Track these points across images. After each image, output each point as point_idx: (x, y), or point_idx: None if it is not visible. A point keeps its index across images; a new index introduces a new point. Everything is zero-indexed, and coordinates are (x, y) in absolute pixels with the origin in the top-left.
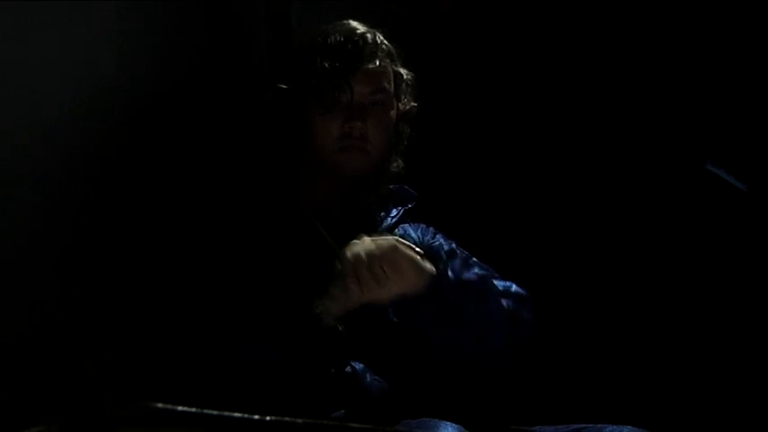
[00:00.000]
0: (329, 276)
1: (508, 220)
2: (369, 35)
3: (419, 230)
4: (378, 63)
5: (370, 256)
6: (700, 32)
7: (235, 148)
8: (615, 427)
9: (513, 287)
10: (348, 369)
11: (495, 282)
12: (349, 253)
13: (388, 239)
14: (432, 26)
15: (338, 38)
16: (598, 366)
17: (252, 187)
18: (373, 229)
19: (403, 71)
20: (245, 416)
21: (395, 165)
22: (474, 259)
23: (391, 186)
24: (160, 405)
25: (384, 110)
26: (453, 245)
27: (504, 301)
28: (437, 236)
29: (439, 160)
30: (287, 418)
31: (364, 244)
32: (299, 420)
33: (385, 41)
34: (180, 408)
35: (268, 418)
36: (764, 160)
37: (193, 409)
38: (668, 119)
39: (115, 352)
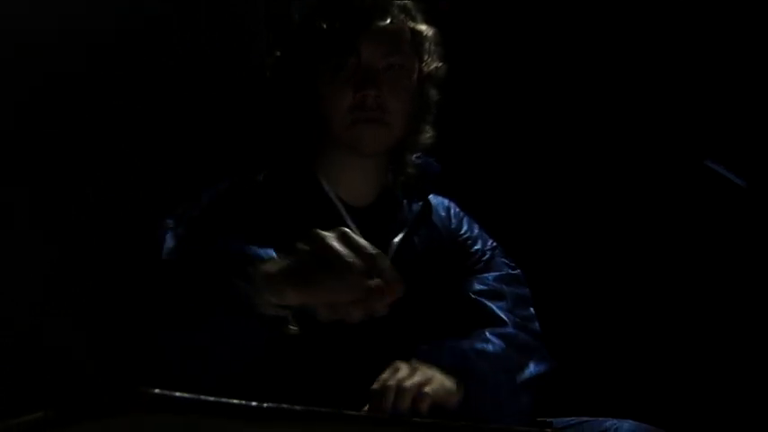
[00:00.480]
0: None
1: (507, 217)
2: None
3: (444, 214)
4: (390, 20)
5: (412, 393)
6: (698, 31)
7: (236, 143)
8: (616, 421)
9: (537, 362)
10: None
11: (520, 341)
12: (391, 389)
13: (433, 375)
14: (432, 26)
15: None
16: (599, 360)
17: (266, 173)
18: (400, 218)
19: (423, 27)
20: (243, 402)
21: (425, 135)
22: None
23: (414, 158)
24: (156, 391)
25: (402, 74)
26: (481, 233)
27: (525, 398)
28: (463, 220)
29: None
30: (284, 405)
31: (406, 375)
32: (297, 408)
33: None
34: (177, 393)
35: (265, 404)
36: (763, 156)
37: (190, 395)
38: (668, 115)
39: (114, 351)
